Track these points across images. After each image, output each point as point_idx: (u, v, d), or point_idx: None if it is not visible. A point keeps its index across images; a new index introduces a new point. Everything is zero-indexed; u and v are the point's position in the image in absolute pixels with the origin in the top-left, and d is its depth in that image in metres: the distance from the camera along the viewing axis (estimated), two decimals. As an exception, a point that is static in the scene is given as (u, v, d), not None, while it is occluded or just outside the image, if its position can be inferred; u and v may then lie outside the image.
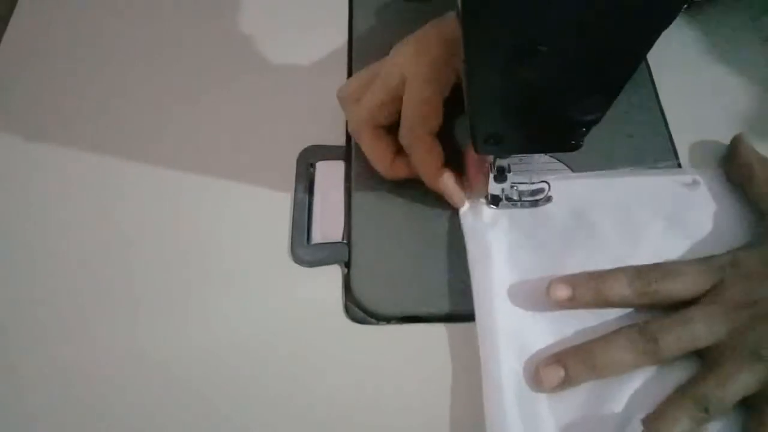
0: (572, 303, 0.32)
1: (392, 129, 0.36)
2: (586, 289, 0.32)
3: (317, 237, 0.38)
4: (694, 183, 0.37)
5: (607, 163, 0.38)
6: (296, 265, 0.37)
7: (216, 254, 0.38)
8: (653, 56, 0.43)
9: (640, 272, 0.32)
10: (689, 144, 0.39)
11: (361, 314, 0.35)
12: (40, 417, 0.33)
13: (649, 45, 0.24)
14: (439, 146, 0.35)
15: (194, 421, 0.33)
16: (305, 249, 0.37)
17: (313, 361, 0.34)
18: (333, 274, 0.37)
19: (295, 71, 0.45)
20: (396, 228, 0.37)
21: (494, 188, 0.36)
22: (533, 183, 0.36)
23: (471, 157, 0.36)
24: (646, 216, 0.36)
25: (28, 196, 0.41)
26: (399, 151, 0.37)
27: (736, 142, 0.37)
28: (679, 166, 0.38)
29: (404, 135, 0.35)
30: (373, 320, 0.35)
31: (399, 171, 0.37)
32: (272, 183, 0.40)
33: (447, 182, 0.36)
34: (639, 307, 0.33)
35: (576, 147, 0.30)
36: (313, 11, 0.48)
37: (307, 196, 0.39)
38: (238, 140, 0.42)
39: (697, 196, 0.37)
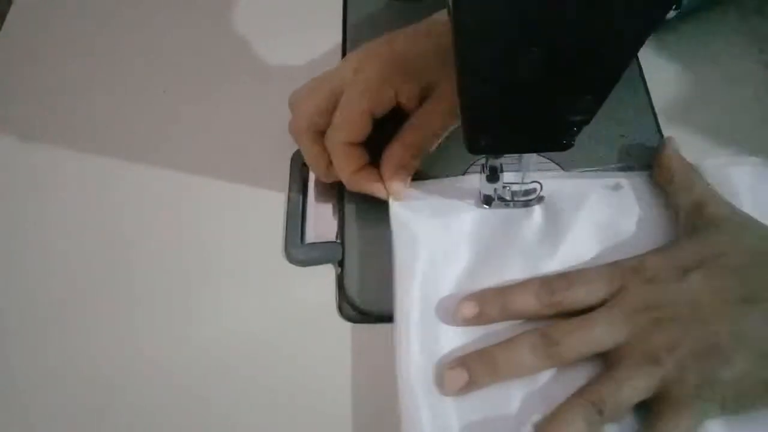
0: (481, 320, 0.32)
1: None
2: (493, 306, 0.32)
3: (311, 236, 0.38)
4: (617, 186, 0.37)
5: (598, 163, 0.38)
6: (290, 265, 0.37)
7: (210, 254, 0.38)
8: (645, 57, 0.43)
9: (544, 284, 0.32)
10: (680, 143, 0.39)
11: (354, 313, 0.35)
12: (37, 416, 0.33)
13: (639, 45, 0.24)
14: (358, 152, 0.36)
15: (188, 420, 0.33)
16: (299, 248, 0.37)
17: (306, 359, 0.34)
18: (327, 273, 0.37)
19: (290, 72, 0.45)
20: (389, 227, 0.37)
21: (486, 188, 0.36)
22: (525, 183, 0.36)
23: (388, 158, 0.36)
24: (567, 220, 0.36)
25: (24, 195, 0.41)
26: None
27: (661, 146, 0.37)
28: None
29: (327, 138, 0.36)
30: (366, 319, 0.35)
31: (334, 176, 0.37)
32: (266, 183, 0.40)
33: (362, 182, 0.36)
34: (548, 317, 0.33)
35: (568, 146, 0.30)
36: (307, 12, 0.48)
37: (300, 196, 0.39)
38: (233, 140, 0.42)
39: (620, 199, 0.37)
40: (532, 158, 0.34)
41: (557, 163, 0.38)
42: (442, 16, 0.38)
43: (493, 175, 0.35)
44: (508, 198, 0.37)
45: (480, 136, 0.30)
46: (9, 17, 0.49)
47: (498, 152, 0.32)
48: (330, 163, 0.37)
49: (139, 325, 0.36)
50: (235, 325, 0.35)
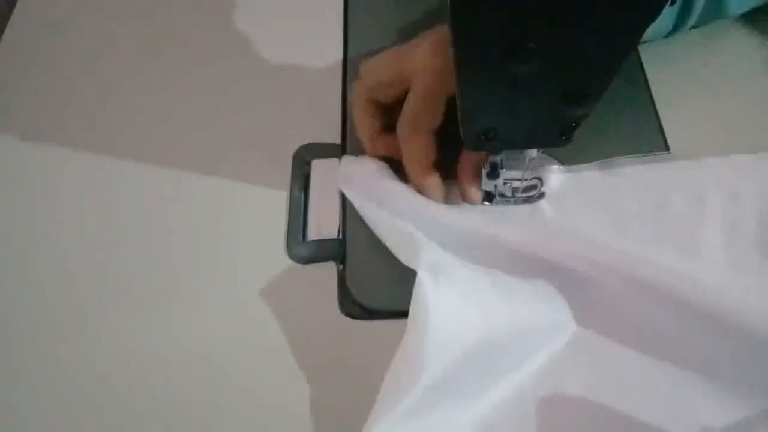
0: None
1: (389, 109, 0.37)
2: None
3: (313, 234, 0.38)
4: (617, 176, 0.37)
5: (599, 157, 0.38)
6: (292, 262, 0.37)
7: (213, 251, 0.38)
8: (645, 51, 0.43)
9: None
10: (680, 137, 0.39)
11: (355, 310, 0.36)
12: (35, 412, 0.34)
13: (635, 39, 0.24)
14: (433, 145, 0.35)
15: (189, 415, 0.33)
16: (301, 245, 0.37)
17: (308, 356, 0.34)
18: (328, 270, 0.37)
19: (292, 70, 0.45)
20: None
21: (487, 185, 0.36)
22: (526, 179, 0.36)
23: (465, 162, 0.36)
24: (573, 213, 0.36)
25: (27, 195, 0.41)
26: (386, 129, 0.37)
27: None
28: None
29: (402, 126, 0.35)
30: (367, 316, 0.35)
31: (379, 149, 0.37)
32: (268, 181, 0.40)
33: (429, 184, 0.36)
34: None
35: (567, 142, 0.30)
36: (309, 10, 0.48)
37: (302, 194, 0.39)
38: (235, 139, 0.42)
39: (622, 187, 0.37)
40: (532, 154, 0.34)
41: (556, 159, 0.38)
42: None
43: (494, 172, 0.35)
44: (509, 194, 0.37)
45: (479, 133, 0.30)
46: (12, 18, 0.50)
47: (497, 149, 0.33)
48: (377, 135, 0.37)
49: (140, 322, 0.36)
50: (236, 321, 0.36)
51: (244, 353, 0.35)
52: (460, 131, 0.31)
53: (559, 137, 0.30)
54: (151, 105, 0.44)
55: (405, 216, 0.34)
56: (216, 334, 0.35)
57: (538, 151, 0.34)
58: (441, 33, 0.35)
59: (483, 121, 0.30)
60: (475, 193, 0.36)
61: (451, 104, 0.34)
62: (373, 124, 0.37)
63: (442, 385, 0.30)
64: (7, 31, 0.49)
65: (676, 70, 0.42)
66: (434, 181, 0.36)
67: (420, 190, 0.36)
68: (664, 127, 0.40)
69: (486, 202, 0.37)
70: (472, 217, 0.35)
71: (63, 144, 0.43)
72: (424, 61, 0.34)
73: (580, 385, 0.32)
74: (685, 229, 0.35)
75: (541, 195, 0.37)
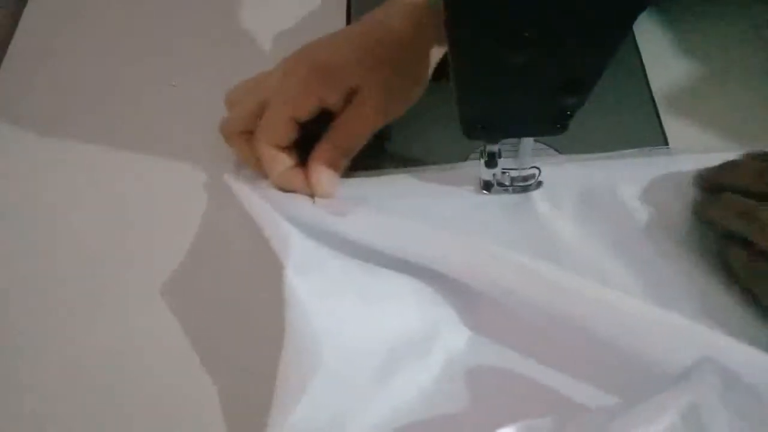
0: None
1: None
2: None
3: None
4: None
5: (595, 148, 0.38)
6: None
7: (219, 244, 0.39)
8: (643, 41, 0.43)
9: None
10: (678, 128, 0.40)
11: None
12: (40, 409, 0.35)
13: (626, 28, 0.25)
14: (283, 155, 0.37)
15: (199, 399, 0.34)
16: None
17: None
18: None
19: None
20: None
21: (486, 174, 0.36)
22: (524, 168, 0.36)
23: (312, 160, 0.37)
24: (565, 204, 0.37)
25: (34, 188, 0.42)
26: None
27: None
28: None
29: (253, 142, 0.37)
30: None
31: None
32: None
33: (287, 183, 0.37)
34: None
35: (562, 130, 0.31)
36: (312, 5, 0.49)
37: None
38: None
39: (618, 182, 0.37)
40: (529, 143, 0.34)
41: (555, 149, 0.39)
42: (366, 15, 0.39)
43: (491, 161, 0.35)
44: (507, 183, 0.37)
45: (475, 122, 0.31)
46: (24, 15, 0.50)
47: (493, 137, 0.33)
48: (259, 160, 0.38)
49: (155, 309, 0.37)
50: (243, 311, 0.36)
51: (251, 342, 0.35)
52: (459, 119, 0.31)
53: (554, 126, 0.30)
54: (160, 100, 0.45)
55: (291, 217, 0.35)
56: (222, 324, 0.36)
57: (534, 140, 0.34)
58: (297, 55, 0.37)
59: (478, 110, 0.30)
60: (325, 188, 0.36)
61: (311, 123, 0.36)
62: (254, 155, 0.38)
63: (335, 381, 0.30)
64: (20, 28, 0.50)
65: (675, 61, 0.43)
66: (294, 182, 0.37)
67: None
68: (661, 114, 0.40)
69: (485, 191, 0.37)
70: (355, 215, 0.35)
71: (73, 137, 0.43)
72: (275, 90, 0.36)
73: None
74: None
75: (539, 184, 0.37)
